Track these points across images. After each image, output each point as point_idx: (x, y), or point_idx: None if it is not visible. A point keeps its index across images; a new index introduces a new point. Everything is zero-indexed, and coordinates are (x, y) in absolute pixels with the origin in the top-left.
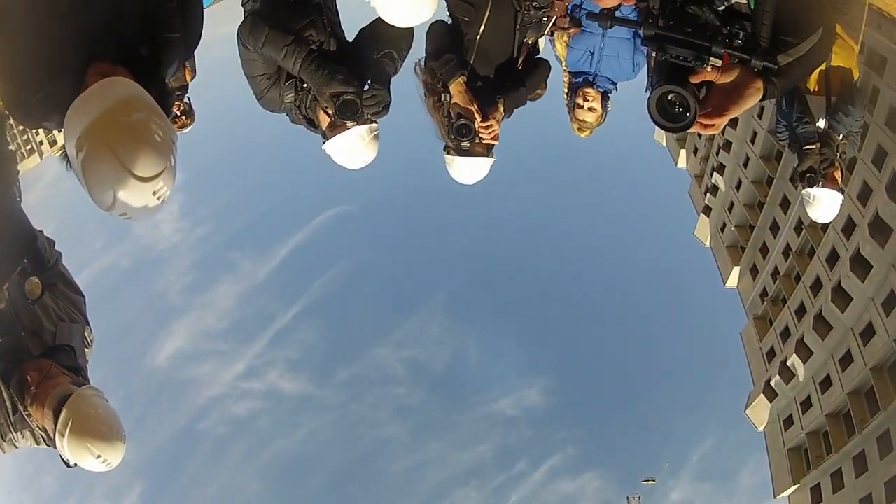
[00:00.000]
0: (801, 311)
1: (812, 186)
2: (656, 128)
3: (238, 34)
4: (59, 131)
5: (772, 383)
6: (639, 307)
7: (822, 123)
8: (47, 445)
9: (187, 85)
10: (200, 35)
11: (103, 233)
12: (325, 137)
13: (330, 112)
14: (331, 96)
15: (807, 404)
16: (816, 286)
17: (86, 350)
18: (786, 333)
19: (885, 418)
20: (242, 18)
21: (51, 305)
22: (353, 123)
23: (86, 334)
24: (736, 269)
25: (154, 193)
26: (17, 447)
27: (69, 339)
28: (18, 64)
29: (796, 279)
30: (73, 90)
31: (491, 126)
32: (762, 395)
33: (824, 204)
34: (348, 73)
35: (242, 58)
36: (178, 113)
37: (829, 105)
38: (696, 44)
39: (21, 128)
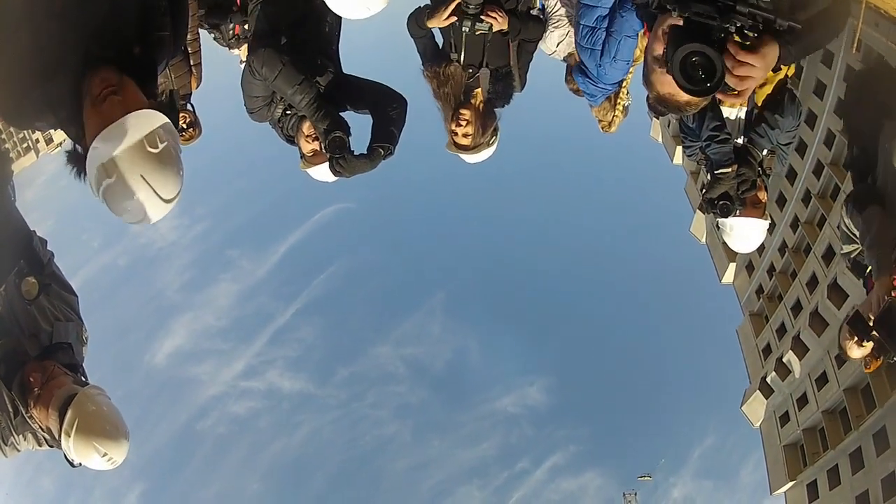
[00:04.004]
0: (797, 308)
1: (727, 216)
2: (652, 124)
3: (249, 62)
4: (54, 131)
5: (768, 380)
6: (636, 304)
7: (740, 140)
8: (50, 447)
9: (191, 93)
10: (187, 33)
11: (101, 231)
12: (304, 159)
13: (311, 142)
14: (325, 131)
15: (803, 401)
16: (812, 283)
17: (82, 348)
18: (782, 330)
19: (881, 415)
20: (254, 47)
21: (46, 306)
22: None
23: (81, 333)
24: (732, 266)
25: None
26: (19, 451)
27: (66, 337)
28: (12, 64)
29: (792, 276)
30: (70, 91)
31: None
32: (758, 391)
33: (743, 235)
34: (341, 117)
35: (245, 79)
36: (185, 125)
37: (750, 117)
38: (721, 2)
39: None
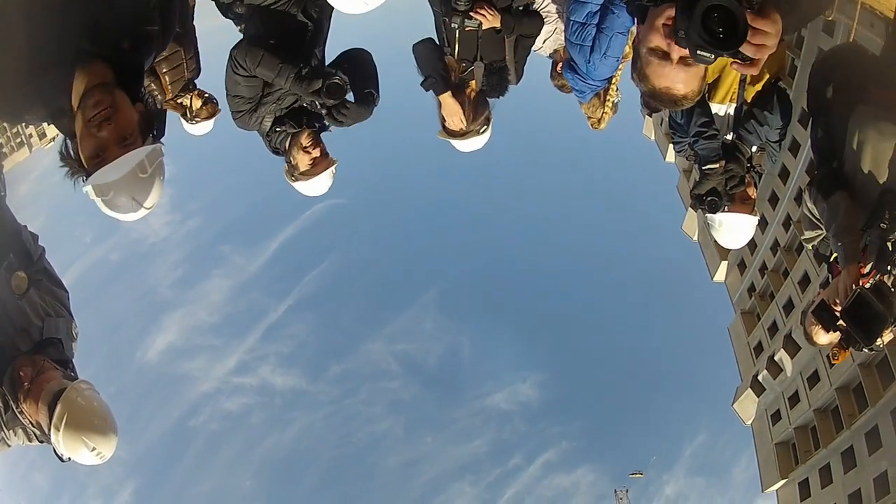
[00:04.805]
0: (788, 307)
1: (715, 212)
2: (645, 122)
3: (233, 56)
4: (47, 125)
5: (759, 378)
6: (628, 301)
7: (729, 136)
8: (40, 442)
9: (195, 78)
10: (175, 27)
11: (93, 227)
12: (294, 175)
13: (312, 151)
14: (319, 88)
15: (794, 399)
16: (805, 281)
17: (72, 344)
18: (773, 328)
19: (873, 414)
20: (237, 45)
21: (37, 301)
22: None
23: (71, 328)
24: (724, 264)
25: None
26: (9, 445)
27: (56, 333)
28: (3, 59)
29: (784, 274)
30: (61, 85)
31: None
32: (750, 389)
33: (732, 230)
34: (328, 68)
35: (228, 76)
36: (204, 100)
37: (739, 113)
38: None
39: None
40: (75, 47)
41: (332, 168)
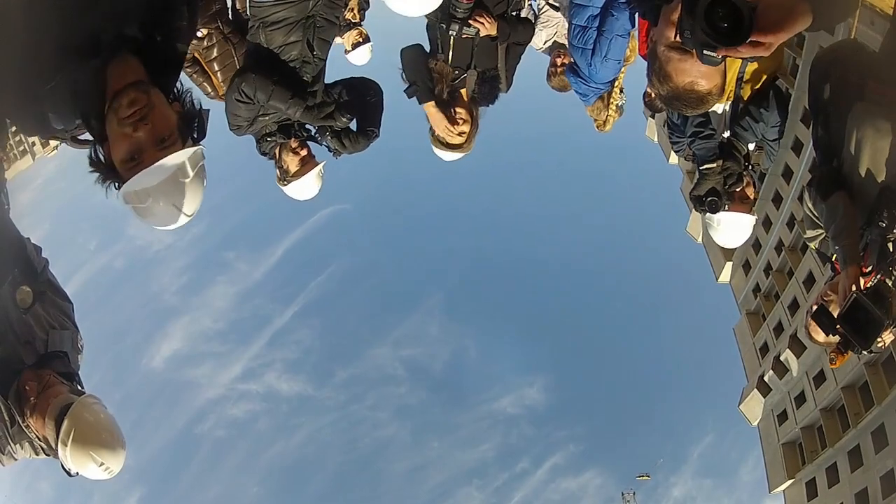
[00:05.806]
0: (794, 307)
1: (716, 212)
2: (648, 123)
3: (238, 87)
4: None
5: (765, 378)
6: (633, 304)
7: (726, 133)
8: (47, 455)
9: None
10: (198, 23)
11: (97, 234)
12: (286, 179)
13: (301, 152)
14: (329, 115)
15: (801, 399)
16: (809, 281)
17: (77, 357)
18: (779, 328)
19: (879, 412)
20: (243, 71)
21: (41, 314)
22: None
23: (76, 341)
24: (728, 265)
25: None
26: (15, 459)
27: (61, 346)
28: (26, 56)
29: (789, 274)
30: (90, 83)
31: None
32: (756, 390)
33: (730, 229)
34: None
35: (229, 101)
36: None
37: (735, 110)
38: None
39: (13, 128)
40: (105, 41)
41: (320, 168)
